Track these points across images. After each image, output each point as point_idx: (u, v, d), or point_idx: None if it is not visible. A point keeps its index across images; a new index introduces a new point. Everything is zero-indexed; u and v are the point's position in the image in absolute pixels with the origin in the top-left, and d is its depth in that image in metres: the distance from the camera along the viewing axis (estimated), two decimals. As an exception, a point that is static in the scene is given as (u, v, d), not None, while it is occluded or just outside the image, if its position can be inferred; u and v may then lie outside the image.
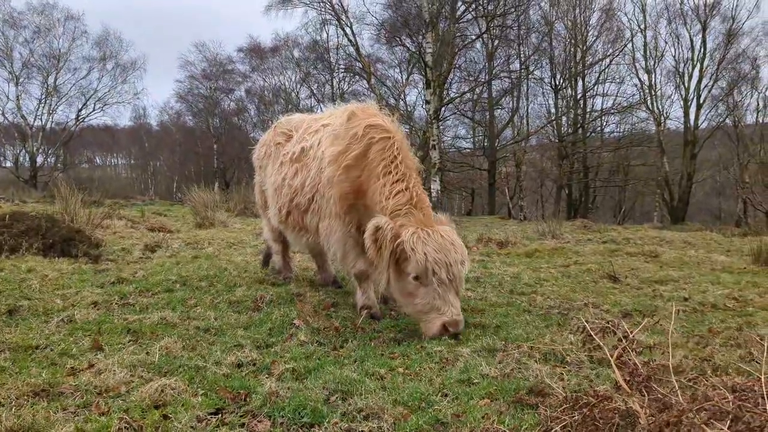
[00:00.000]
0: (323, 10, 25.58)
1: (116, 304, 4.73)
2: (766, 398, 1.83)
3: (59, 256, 6.61)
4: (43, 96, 32.09)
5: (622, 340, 2.42)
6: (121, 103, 34.77)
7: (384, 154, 4.48)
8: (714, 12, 27.48)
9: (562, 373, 3.33)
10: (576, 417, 1.98)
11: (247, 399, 2.92)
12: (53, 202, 11.33)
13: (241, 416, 2.74)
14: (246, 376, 3.27)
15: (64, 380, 3.04)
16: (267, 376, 3.29)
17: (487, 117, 29.45)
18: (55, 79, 32.34)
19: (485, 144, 30.17)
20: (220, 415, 2.73)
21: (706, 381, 2.50)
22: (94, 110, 34.39)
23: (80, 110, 33.84)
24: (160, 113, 45.96)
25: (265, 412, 2.77)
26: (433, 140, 22.14)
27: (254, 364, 3.47)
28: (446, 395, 3.05)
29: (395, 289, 4.22)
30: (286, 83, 36.55)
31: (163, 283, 5.56)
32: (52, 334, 3.85)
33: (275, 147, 5.74)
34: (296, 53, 34.34)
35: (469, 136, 33.12)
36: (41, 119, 32.62)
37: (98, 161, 60.58)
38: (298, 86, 36.11)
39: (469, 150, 32.12)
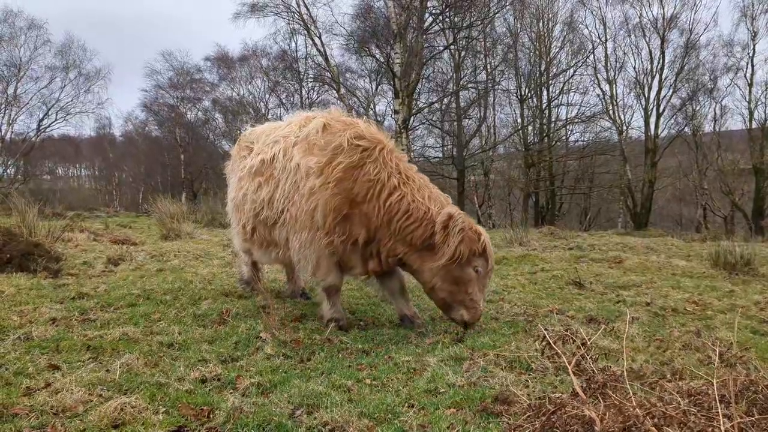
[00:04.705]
0: (292, 19, 25.53)
1: (76, 320, 4.60)
2: (718, 402, 1.89)
3: (17, 271, 6.39)
4: (3, 106, 31.11)
5: (580, 347, 2.47)
6: (85, 112, 33.87)
7: (388, 165, 4.57)
8: (672, 25, 28.42)
9: (527, 381, 3.37)
10: (536, 425, 2.01)
11: (210, 415, 2.87)
12: (11, 215, 10.96)
13: (203, 433, 2.69)
14: (210, 392, 3.21)
15: (18, 401, 2.94)
16: (231, 391, 3.24)
17: (456, 127, 29.77)
18: (16, 89, 31.41)
19: (454, 153, 30.44)
20: (181, 433, 2.68)
21: (665, 385, 2.56)
22: (56, 120, 33.44)
23: (41, 120, 32.89)
24: (124, 123, 44.99)
25: (229, 429, 2.73)
26: (403, 149, 22.25)
27: (218, 379, 3.42)
28: (412, 406, 3.05)
29: (444, 273, 4.38)
30: (255, 92, 36.28)
31: (126, 297, 5.43)
32: (8, 353, 3.72)
33: (239, 161, 5.62)
34: (265, 62, 34.15)
35: (438, 146, 33.39)
36: (0, 129, 31.62)
37: (60, 172, 58.85)
38: (267, 95, 35.89)
39: (438, 159, 32.32)
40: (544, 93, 29.91)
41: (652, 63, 28.95)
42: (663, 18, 28.26)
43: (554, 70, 29.42)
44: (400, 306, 5.01)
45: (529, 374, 3.50)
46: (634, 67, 29.51)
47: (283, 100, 34.17)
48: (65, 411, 2.84)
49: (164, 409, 2.91)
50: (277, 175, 4.90)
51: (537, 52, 29.02)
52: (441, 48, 26.09)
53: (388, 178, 4.52)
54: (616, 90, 29.69)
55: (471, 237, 4.34)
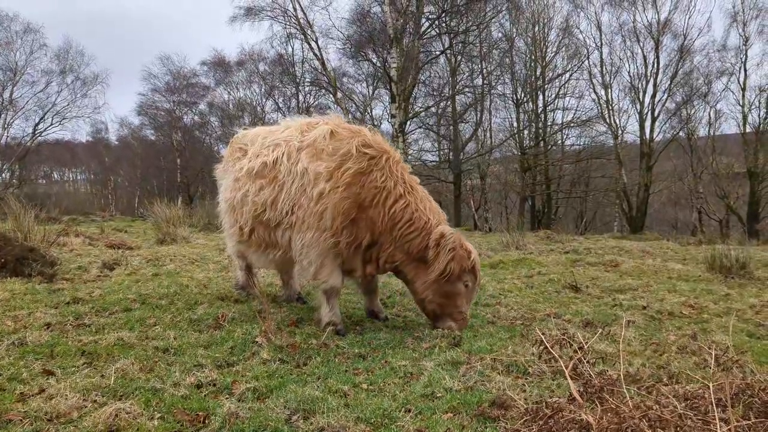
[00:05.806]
0: (288, 24, 25.58)
1: (71, 325, 4.57)
2: (714, 405, 1.88)
3: (11, 275, 6.35)
4: (-2, 110, 31.04)
5: (577, 351, 2.46)
6: (81, 117, 33.89)
7: (394, 174, 4.78)
8: (666, 29, 28.59)
9: (524, 385, 3.36)
10: (534, 429, 2.01)
11: (206, 421, 2.85)
12: (6, 220, 10.92)
13: (199, 439, 2.67)
14: (205, 397, 3.19)
15: (12, 407, 2.92)
16: (227, 396, 3.23)
17: (452, 131, 29.81)
18: (11, 93, 31.34)
19: (450, 157, 30.49)
20: (177, 439, 2.66)
21: (661, 389, 2.56)
22: (52, 124, 33.43)
23: (37, 124, 32.85)
24: (119, 127, 45.00)
25: (224, 434, 2.71)
26: (399, 153, 22.28)
27: (214, 385, 3.40)
28: (409, 410, 3.04)
29: (436, 288, 4.67)
30: (252, 96, 36.28)
31: (121, 302, 5.40)
32: (2, 358, 3.69)
33: (233, 162, 5.63)
34: (261, 67, 34.18)
35: (435, 150, 33.45)
36: (-5, 134, 31.52)
37: (56, 177, 58.72)
38: (264, 99, 35.89)
39: (434, 163, 32.36)
40: (540, 97, 30.06)
41: (646, 67, 29.16)
42: (657, 22, 28.44)
43: (550, 74, 29.59)
44: (370, 303, 5.42)
45: (526, 378, 3.49)
46: (629, 72, 29.71)
47: (280, 104, 34.19)
48: (59, 417, 2.82)
49: (159, 414, 2.89)
50: (281, 178, 4.95)
51: (533, 57, 29.17)
52: (437, 52, 26.18)
53: (394, 186, 4.72)
54: (611, 94, 29.86)
55: (461, 255, 4.63)
